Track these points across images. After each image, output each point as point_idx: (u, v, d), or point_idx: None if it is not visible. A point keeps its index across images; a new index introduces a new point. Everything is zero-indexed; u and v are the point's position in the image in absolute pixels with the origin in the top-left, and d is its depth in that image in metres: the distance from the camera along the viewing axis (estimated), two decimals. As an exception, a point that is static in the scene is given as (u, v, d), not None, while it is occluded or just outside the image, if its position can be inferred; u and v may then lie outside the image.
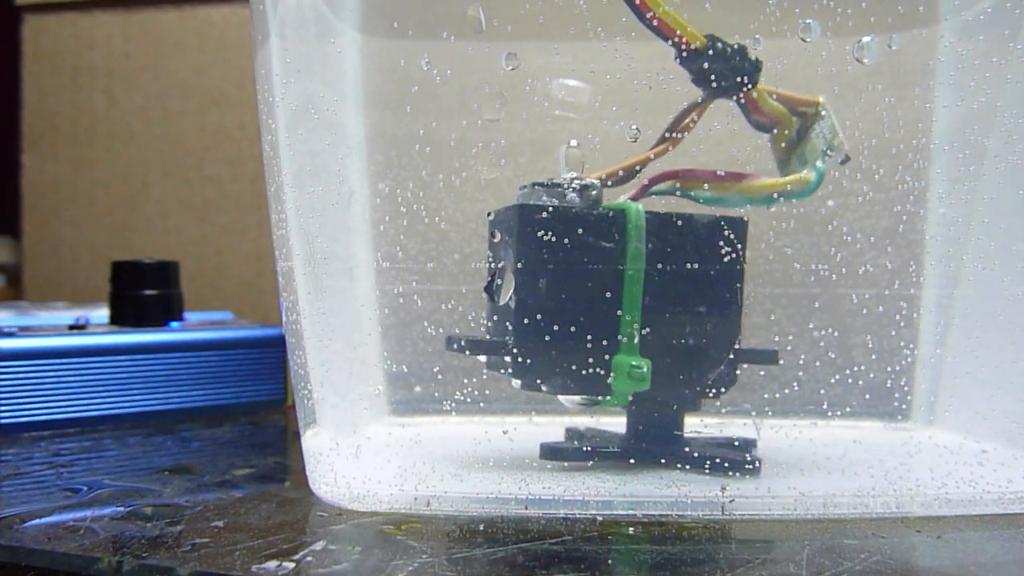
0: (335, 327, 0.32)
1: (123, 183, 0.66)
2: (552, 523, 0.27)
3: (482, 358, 0.31)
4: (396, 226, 0.33)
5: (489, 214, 0.31)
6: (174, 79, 0.65)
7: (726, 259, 0.30)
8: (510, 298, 0.30)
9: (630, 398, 0.30)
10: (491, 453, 0.31)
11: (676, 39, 0.29)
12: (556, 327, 0.30)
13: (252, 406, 0.48)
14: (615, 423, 0.33)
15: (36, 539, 0.26)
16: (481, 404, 0.32)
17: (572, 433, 0.33)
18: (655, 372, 0.29)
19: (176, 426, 0.43)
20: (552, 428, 0.33)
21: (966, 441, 0.32)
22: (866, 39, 0.30)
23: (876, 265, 0.33)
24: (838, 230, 0.33)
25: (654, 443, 0.31)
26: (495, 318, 0.31)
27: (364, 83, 0.34)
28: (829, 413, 0.32)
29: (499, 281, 0.30)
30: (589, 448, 0.31)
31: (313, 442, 0.31)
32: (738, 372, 0.31)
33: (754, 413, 0.32)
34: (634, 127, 0.30)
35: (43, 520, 0.28)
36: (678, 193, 0.31)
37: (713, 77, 0.30)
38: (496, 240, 0.31)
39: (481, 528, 0.27)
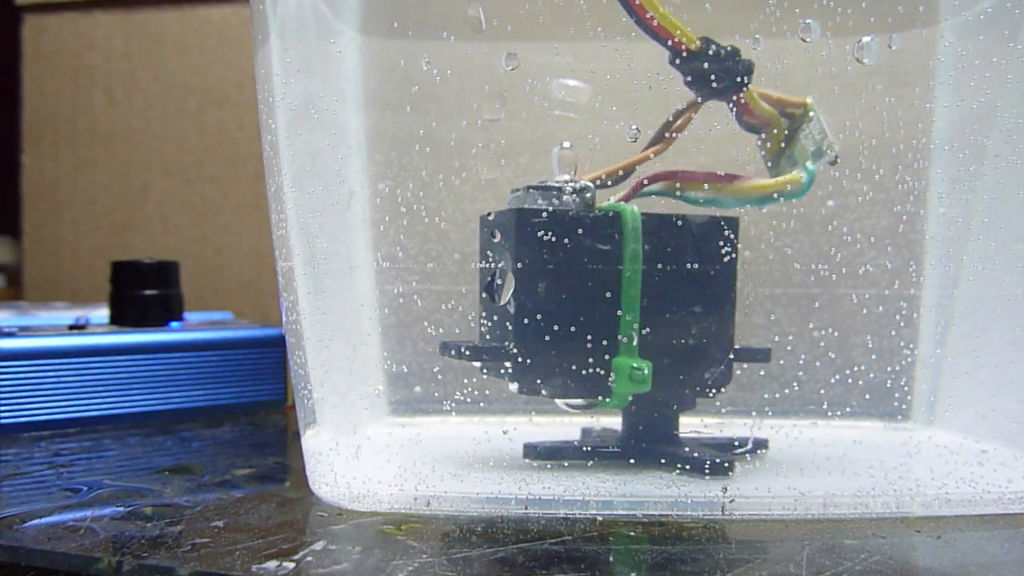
0: (335, 327, 0.32)
1: (123, 183, 0.66)
2: (552, 523, 0.27)
3: (476, 363, 0.32)
4: (396, 226, 0.33)
5: (489, 214, 0.31)
6: (174, 79, 0.65)
7: (720, 259, 0.30)
8: (508, 302, 0.30)
9: (629, 399, 0.30)
10: (491, 453, 0.31)
11: (672, 41, 0.29)
12: (555, 330, 0.30)
13: (252, 406, 0.48)
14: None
15: (36, 539, 0.26)
16: (481, 404, 0.32)
17: (587, 433, 0.33)
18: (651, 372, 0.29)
19: (176, 426, 0.43)
20: (552, 428, 0.33)
21: (966, 441, 0.32)
22: (866, 39, 0.30)
23: (876, 265, 0.33)
24: (838, 230, 0.33)
25: (648, 443, 0.31)
26: (491, 321, 0.31)
27: (364, 83, 0.34)
28: (829, 413, 0.32)
29: (499, 281, 0.30)
30: (588, 448, 0.31)
31: (313, 442, 0.31)
32: (736, 371, 0.31)
33: (754, 413, 0.32)
34: (634, 127, 0.30)
35: (43, 520, 0.28)
36: (678, 193, 0.31)
37: (707, 79, 0.30)
38: (496, 240, 0.31)
39: (481, 528, 0.27)
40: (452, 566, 0.24)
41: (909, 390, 0.34)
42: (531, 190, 0.30)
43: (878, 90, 0.31)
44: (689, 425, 0.32)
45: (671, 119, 0.31)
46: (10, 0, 0.66)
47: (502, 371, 0.30)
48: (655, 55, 0.30)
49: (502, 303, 0.30)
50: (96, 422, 0.43)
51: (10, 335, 0.42)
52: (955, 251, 0.33)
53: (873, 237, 0.33)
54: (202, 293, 0.62)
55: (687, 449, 0.31)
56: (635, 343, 0.30)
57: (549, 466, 0.31)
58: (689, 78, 0.30)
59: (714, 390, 0.31)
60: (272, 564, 0.24)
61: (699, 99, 0.30)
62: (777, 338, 0.33)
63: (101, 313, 0.50)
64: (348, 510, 0.29)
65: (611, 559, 0.25)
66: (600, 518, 0.28)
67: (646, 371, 0.29)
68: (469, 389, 0.31)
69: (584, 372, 0.30)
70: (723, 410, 0.32)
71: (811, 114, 0.31)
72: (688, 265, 0.30)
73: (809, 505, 0.28)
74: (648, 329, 0.30)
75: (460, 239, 0.33)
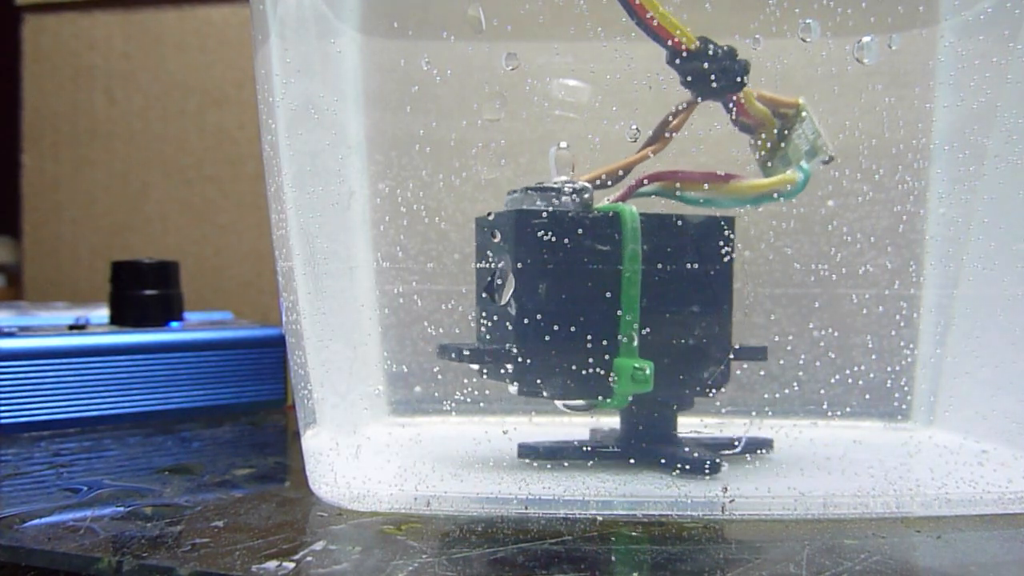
0: (335, 327, 0.32)
1: (123, 183, 0.66)
2: (552, 523, 0.27)
3: (475, 366, 0.32)
4: (396, 226, 0.33)
5: (489, 215, 0.31)
6: (174, 79, 0.65)
7: (718, 258, 0.30)
8: (508, 303, 0.30)
9: (630, 399, 0.30)
10: (491, 453, 0.31)
11: (671, 41, 0.29)
12: (556, 331, 0.30)
13: (252, 406, 0.48)
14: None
15: (36, 539, 0.26)
16: (481, 404, 0.32)
17: (596, 433, 0.33)
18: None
19: (176, 426, 0.43)
20: (552, 428, 0.33)
21: (966, 441, 0.32)
22: (866, 39, 0.30)
23: (876, 265, 0.33)
24: (838, 230, 0.33)
25: (647, 442, 0.32)
26: (490, 322, 0.31)
27: (364, 83, 0.34)
28: (829, 413, 0.32)
29: (499, 282, 0.30)
30: (586, 448, 0.31)
31: (313, 442, 0.31)
32: (732, 371, 0.31)
33: (754, 413, 0.32)
34: (634, 127, 0.30)
35: (43, 520, 0.28)
36: (675, 193, 0.31)
37: (704, 79, 0.30)
38: (496, 240, 0.31)
39: (481, 528, 0.27)
40: (452, 566, 0.24)
41: (909, 390, 0.34)
42: (529, 191, 0.30)
43: (878, 90, 0.31)
44: (689, 425, 0.32)
45: (670, 117, 0.31)
46: (10, 0, 0.66)
47: (502, 372, 0.30)
48: (655, 55, 0.30)
49: (502, 303, 0.30)
50: (96, 422, 0.43)
51: (10, 335, 0.42)
52: (955, 251, 0.33)
53: (873, 237, 0.33)
54: (202, 293, 0.62)
55: (687, 449, 0.31)
56: (635, 343, 0.30)
57: (549, 466, 0.31)
58: (688, 78, 0.30)
59: (713, 390, 0.31)
60: (272, 564, 0.24)
61: (697, 99, 0.30)
62: (777, 338, 0.33)
63: (101, 313, 0.50)
64: (348, 510, 0.29)
65: (611, 559, 0.25)
66: (600, 518, 0.28)
67: (648, 371, 0.29)
68: (469, 389, 0.31)
69: (585, 373, 0.30)
70: (723, 410, 0.32)
71: (803, 114, 0.31)
72: (686, 265, 0.30)
73: (809, 505, 0.28)
74: (647, 329, 0.30)
75: (460, 239, 0.33)
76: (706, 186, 0.31)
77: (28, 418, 0.41)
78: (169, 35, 0.65)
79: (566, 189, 0.30)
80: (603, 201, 0.31)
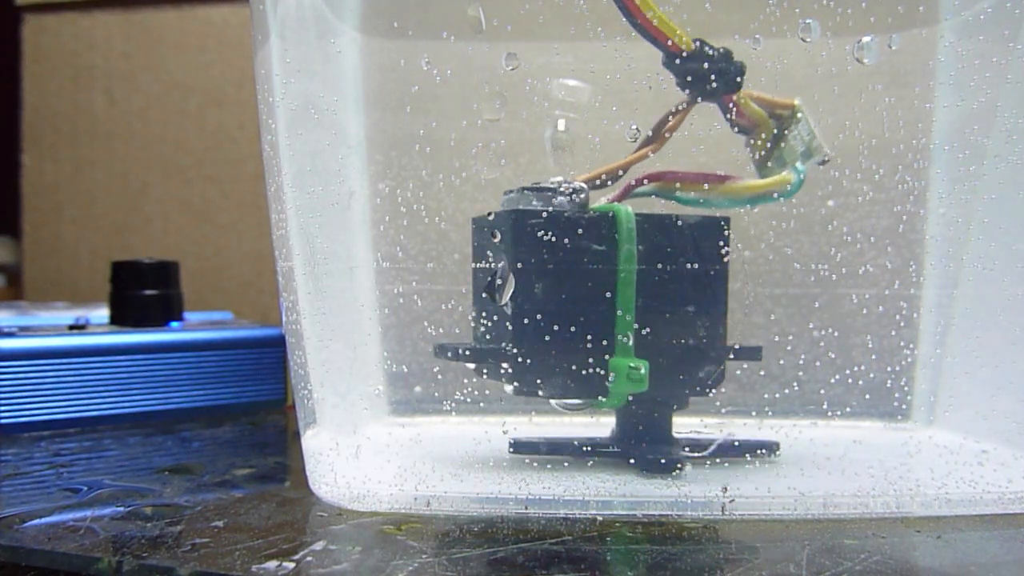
0: (335, 327, 0.32)
1: (123, 183, 0.66)
2: (552, 523, 0.27)
3: (471, 364, 0.32)
4: (396, 226, 0.33)
5: (489, 214, 0.31)
6: (174, 79, 0.65)
7: (712, 258, 0.31)
8: (504, 303, 0.30)
9: (630, 399, 0.30)
10: (491, 453, 0.31)
11: (669, 43, 0.30)
12: (552, 331, 0.30)
13: (252, 406, 0.48)
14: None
15: (36, 539, 0.26)
16: (481, 404, 0.32)
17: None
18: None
19: (176, 426, 0.43)
20: (552, 428, 0.33)
21: (966, 441, 0.32)
22: (866, 39, 0.30)
23: (876, 265, 0.33)
24: (838, 230, 0.33)
25: (643, 441, 0.32)
26: (487, 322, 0.31)
27: (364, 83, 0.34)
28: (829, 413, 0.32)
29: (499, 282, 0.30)
30: (578, 444, 0.31)
31: (313, 442, 0.31)
32: (731, 371, 0.32)
33: (754, 413, 0.32)
34: (634, 127, 0.30)
35: (43, 520, 0.28)
36: (674, 194, 0.31)
37: (700, 80, 0.30)
38: (496, 240, 0.31)
39: (481, 528, 0.27)
40: (452, 566, 0.24)
41: (909, 390, 0.34)
42: (525, 191, 0.30)
43: (878, 90, 0.31)
44: (689, 425, 0.32)
45: (669, 116, 0.31)
46: (10, 0, 0.66)
47: (499, 372, 0.30)
48: (655, 55, 0.30)
49: (502, 303, 0.30)
50: (96, 422, 0.43)
51: (10, 335, 0.42)
52: (955, 251, 0.33)
53: (873, 237, 0.33)
54: (202, 293, 0.62)
55: (686, 449, 0.31)
56: (631, 343, 0.30)
57: (549, 466, 0.31)
58: (688, 78, 0.30)
59: (708, 389, 0.31)
60: (272, 564, 0.24)
61: (692, 101, 0.31)
62: (777, 338, 0.33)
63: (101, 313, 0.50)
64: (348, 510, 0.29)
65: (611, 559, 0.25)
66: (600, 518, 0.28)
67: (643, 371, 0.29)
68: (469, 389, 0.31)
69: (581, 372, 0.30)
70: (723, 410, 0.32)
71: (799, 115, 0.31)
72: (682, 265, 0.30)
73: (809, 505, 0.28)
74: (647, 329, 0.30)
75: (460, 239, 0.33)
76: (704, 186, 0.31)
77: (28, 418, 0.41)
78: (169, 35, 0.65)
79: (562, 189, 0.30)
80: (599, 201, 0.31)
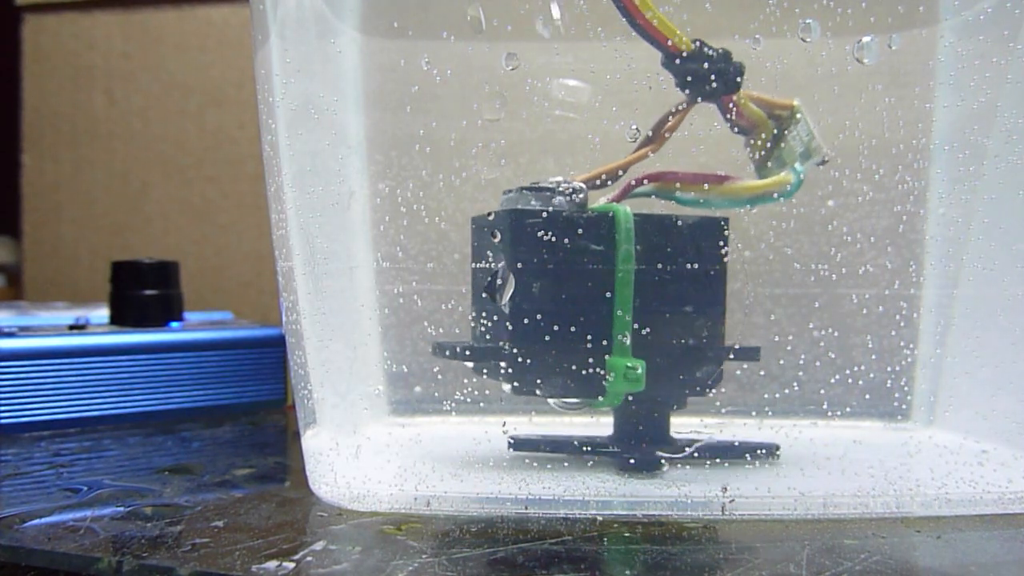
0: (335, 327, 0.32)
1: (123, 183, 0.66)
2: (552, 523, 0.27)
3: (469, 363, 0.32)
4: (396, 226, 0.33)
5: (490, 214, 0.31)
6: (174, 79, 0.65)
7: (710, 259, 0.31)
8: (503, 304, 0.30)
9: (630, 399, 0.30)
10: (491, 453, 0.31)
11: (668, 44, 0.30)
12: (550, 330, 0.30)
13: (252, 406, 0.48)
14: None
15: (36, 539, 0.26)
16: (481, 404, 0.32)
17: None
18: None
19: (176, 426, 0.43)
20: (552, 428, 0.33)
21: (966, 441, 0.32)
22: (866, 39, 0.30)
23: (876, 265, 0.33)
24: (838, 230, 0.33)
25: (640, 441, 0.32)
26: (485, 322, 0.31)
27: (364, 83, 0.34)
28: (829, 413, 0.32)
29: (499, 282, 0.30)
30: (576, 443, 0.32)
31: (313, 442, 0.31)
32: (731, 371, 0.32)
33: (754, 413, 0.32)
34: (634, 127, 0.30)
35: (43, 520, 0.28)
36: (676, 195, 0.31)
37: (699, 81, 0.30)
38: (496, 240, 0.31)
39: (481, 528, 0.27)
40: (452, 566, 0.24)
41: (909, 390, 0.34)
42: (524, 191, 0.31)
43: (878, 90, 0.31)
44: (689, 425, 0.32)
45: (670, 116, 0.31)
46: (10, 0, 0.66)
47: (498, 371, 0.30)
48: (655, 55, 0.30)
49: (503, 303, 0.30)
50: (96, 422, 0.43)
51: (10, 335, 0.42)
52: (955, 251, 0.33)
53: (873, 237, 0.33)
54: (202, 293, 0.62)
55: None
56: (628, 342, 0.30)
57: (549, 466, 0.31)
58: (688, 79, 0.30)
59: (706, 389, 0.31)
60: (272, 564, 0.24)
61: (692, 101, 0.31)
62: (777, 338, 0.33)
63: (101, 313, 0.50)
64: (348, 510, 0.29)
65: (611, 559, 0.25)
66: (600, 518, 0.28)
67: (640, 370, 0.29)
68: (469, 389, 0.31)
69: (579, 371, 0.30)
70: (723, 410, 0.32)
71: (798, 116, 0.31)
72: (680, 265, 0.30)
73: (809, 505, 0.28)
74: (645, 329, 0.30)
75: (460, 239, 0.33)
76: (703, 187, 0.31)
77: (28, 418, 0.41)
78: (169, 35, 0.65)
79: (561, 189, 0.30)
80: (598, 201, 0.31)
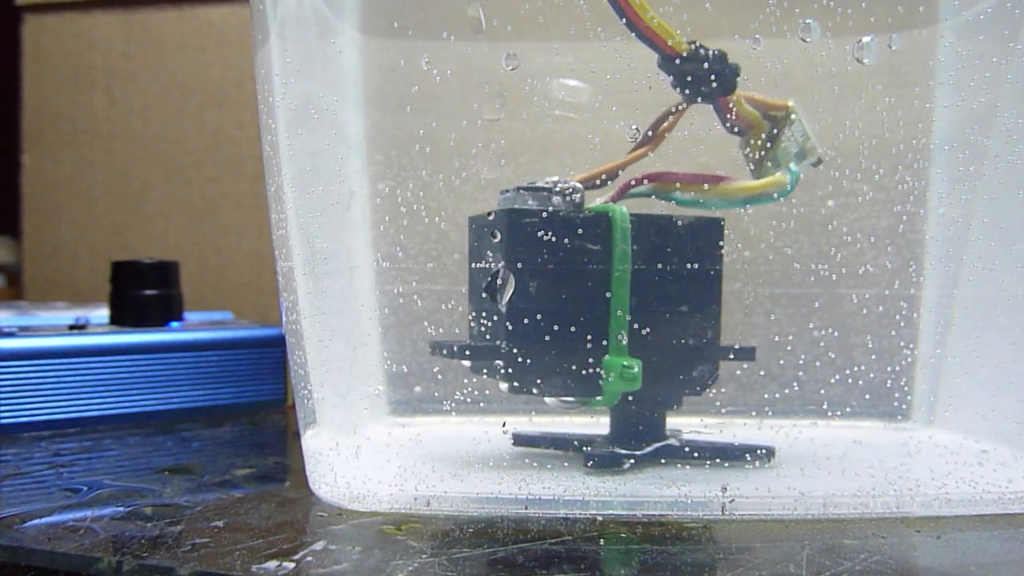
0: (335, 327, 0.32)
1: (123, 183, 0.66)
2: (552, 523, 0.27)
3: (466, 362, 0.32)
4: (396, 226, 0.33)
5: (490, 214, 0.31)
6: (174, 79, 0.65)
7: (706, 259, 0.31)
8: (502, 303, 0.30)
9: (630, 398, 0.31)
10: (491, 453, 0.31)
11: (665, 46, 0.30)
12: (548, 329, 0.30)
13: (252, 406, 0.48)
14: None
15: (36, 539, 0.26)
16: (481, 404, 0.32)
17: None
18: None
19: (176, 426, 0.43)
20: (552, 427, 0.33)
21: (966, 441, 0.32)
22: (866, 39, 0.30)
23: (876, 265, 0.33)
24: (838, 230, 0.33)
25: (637, 441, 0.32)
26: (482, 321, 0.31)
27: (364, 83, 0.34)
28: (829, 413, 0.32)
29: (499, 282, 0.30)
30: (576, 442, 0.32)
31: (313, 442, 0.31)
32: (731, 371, 0.32)
33: (754, 413, 0.32)
34: (634, 127, 0.30)
35: (43, 520, 0.28)
36: (674, 194, 0.31)
37: (695, 82, 0.30)
38: (496, 240, 0.31)
39: (481, 528, 0.27)
40: (452, 566, 0.24)
41: (909, 390, 0.34)
42: (521, 191, 0.31)
43: (878, 90, 0.31)
44: (689, 425, 0.32)
45: (669, 116, 0.31)
46: (10, 0, 0.66)
47: (495, 370, 0.30)
48: (655, 55, 0.30)
49: (502, 304, 0.30)
50: (96, 422, 0.43)
51: (10, 335, 0.42)
52: (955, 251, 0.33)
53: (873, 237, 0.33)
54: (202, 293, 0.62)
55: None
56: (625, 342, 0.30)
57: (549, 466, 0.31)
58: (687, 79, 0.30)
59: (701, 389, 0.31)
60: (272, 564, 0.24)
61: (689, 102, 0.31)
62: (777, 338, 0.33)
63: (101, 313, 0.50)
64: (348, 510, 0.29)
65: (611, 559, 0.25)
66: (600, 518, 0.28)
67: (636, 369, 0.29)
68: (469, 389, 0.31)
69: (575, 371, 0.30)
70: (723, 410, 0.32)
71: (793, 117, 0.31)
72: (676, 265, 0.30)
73: (809, 505, 0.28)
74: (646, 328, 0.30)
75: (460, 239, 0.33)
76: (703, 187, 0.31)
77: (28, 418, 0.41)
78: (169, 35, 0.65)
79: (558, 189, 0.30)
80: (595, 201, 0.31)
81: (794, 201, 0.32)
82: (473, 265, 0.32)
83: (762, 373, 0.32)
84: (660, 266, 0.30)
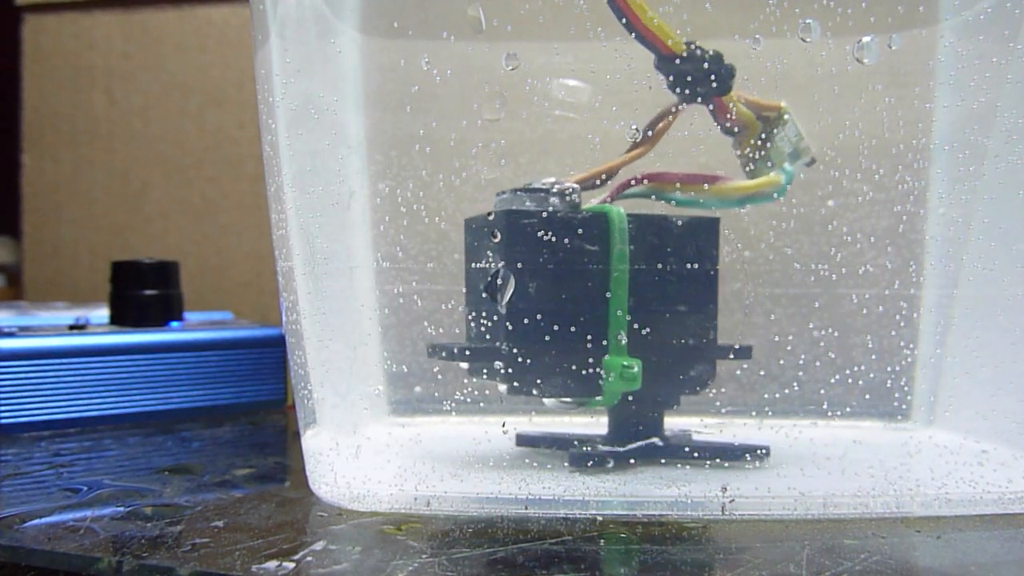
0: (335, 327, 0.32)
1: (123, 183, 0.66)
2: (552, 523, 0.27)
3: (464, 364, 0.32)
4: (396, 226, 0.33)
5: (490, 214, 0.31)
6: (174, 79, 0.65)
7: (702, 258, 0.31)
8: (502, 304, 0.30)
9: (630, 398, 0.31)
10: (491, 453, 0.31)
11: (665, 47, 0.30)
12: (547, 330, 0.30)
13: (252, 406, 0.48)
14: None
15: (36, 539, 0.26)
16: (481, 404, 0.32)
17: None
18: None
19: (176, 426, 0.43)
20: (552, 427, 0.33)
21: (966, 441, 0.32)
22: (866, 39, 0.30)
23: (876, 265, 0.33)
24: (838, 230, 0.33)
25: (635, 440, 0.32)
26: (480, 322, 0.31)
27: (364, 83, 0.34)
28: (829, 413, 0.32)
29: (499, 282, 0.30)
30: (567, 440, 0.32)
31: (313, 442, 0.31)
32: (732, 371, 0.32)
33: (754, 413, 0.32)
34: (634, 127, 0.30)
35: (43, 520, 0.28)
36: (664, 194, 0.31)
37: (692, 83, 0.30)
38: (497, 240, 0.31)
39: (481, 528, 0.27)
40: (452, 566, 0.24)
41: (909, 390, 0.34)
42: (518, 192, 0.31)
43: (878, 90, 0.31)
44: (689, 425, 0.32)
45: (669, 116, 0.31)
46: (10, 0, 0.66)
47: (491, 371, 0.30)
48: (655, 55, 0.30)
49: (502, 304, 0.30)
50: (96, 422, 0.43)
51: (10, 335, 0.42)
52: (955, 251, 0.33)
53: (873, 237, 0.33)
54: (202, 293, 0.62)
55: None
56: (624, 342, 0.30)
57: (549, 466, 0.31)
58: (681, 80, 0.30)
59: (699, 388, 0.31)
60: (272, 564, 0.24)
61: (688, 102, 0.31)
62: (777, 338, 0.33)
63: (101, 313, 0.50)
64: (348, 510, 0.29)
65: (611, 559, 0.25)
66: (600, 518, 0.28)
67: (636, 369, 0.29)
68: (469, 389, 0.31)
69: (575, 371, 0.30)
70: (723, 410, 0.32)
71: (785, 117, 0.32)
72: (673, 265, 0.30)
73: (809, 505, 0.28)
74: (647, 328, 0.30)
75: (460, 239, 0.33)
76: (696, 187, 0.31)
77: (28, 418, 0.41)
78: (169, 35, 0.65)
79: (555, 190, 0.31)
80: (591, 202, 0.31)
81: (794, 201, 0.32)
82: (473, 266, 0.32)
83: (762, 373, 0.32)
84: (657, 266, 0.30)
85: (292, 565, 0.24)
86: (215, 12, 0.64)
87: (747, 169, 0.32)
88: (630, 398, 0.31)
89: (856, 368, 0.33)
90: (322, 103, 0.32)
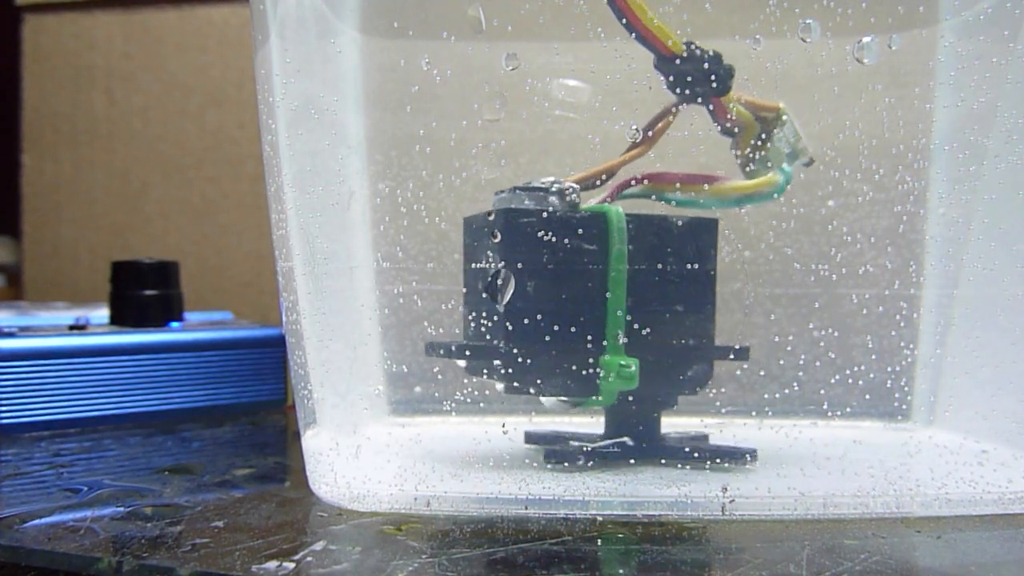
0: (335, 327, 0.32)
1: (123, 183, 0.66)
2: (552, 523, 0.27)
3: (461, 363, 0.32)
4: (396, 226, 0.33)
5: (490, 214, 0.31)
6: (174, 79, 0.65)
7: (700, 258, 0.31)
8: (502, 304, 0.30)
9: (629, 398, 0.31)
10: (491, 453, 0.31)
11: (665, 48, 0.30)
12: (545, 329, 0.30)
13: (252, 406, 0.48)
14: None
15: (36, 539, 0.26)
16: (481, 404, 0.32)
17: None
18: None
19: (176, 426, 0.43)
20: (551, 427, 0.33)
21: (966, 441, 0.32)
22: (866, 39, 0.30)
23: (876, 265, 0.33)
24: (838, 230, 0.33)
25: (634, 441, 0.32)
26: (478, 321, 0.31)
27: (364, 83, 0.34)
28: (829, 413, 0.32)
29: (499, 282, 0.30)
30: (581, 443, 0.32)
31: (313, 442, 0.31)
32: (736, 371, 0.32)
33: (754, 413, 0.32)
34: (634, 127, 0.30)
35: (43, 520, 0.28)
36: (662, 194, 0.31)
37: (690, 83, 0.30)
38: (497, 239, 0.31)
39: (481, 528, 0.27)
40: (452, 566, 0.24)
41: (909, 390, 0.34)
42: (517, 191, 0.31)
43: (878, 90, 0.31)
44: (690, 425, 0.32)
45: (670, 116, 0.31)
46: (10, 0, 0.66)
47: (489, 370, 0.30)
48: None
49: (503, 304, 0.30)
50: (96, 422, 0.43)
51: (10, 335, 0.42)
52: (955, 251, 0.33)
53: (873, 237, 0.33)
54: (202, 293, 0.62)
55: (687, 449, 0.31)
56: (622, 341, 0.30)
57: (549, 466, 0.31)
58: (687, 78, 0.30)
59: (696, 388, 0.31)
60: (272, 564, 0.24)
61: (682, 103, 0.31)
62: (777, 338, 0.33)
63: (101, 313, 0.50)
64: (348, 510, 0.29)
65: (611, 559, 0.25)
66: (600, 518, 0.28)
67: (634, 368, 0.29)
68: (469, 389, 0.31)
69: (573, 371, 0.30)
70: (723, 410, 0.32)
71: (784, 118, 0.32)
72: (671, 265, 0.30)
73: (809, 505, 0.28)
74: (645, 328, 0.30)
75: (460, 239, 0.33)
76: (694, 187, 0.31)
77: (28, 418, 0.41)
78: (169, 35, 0.65)
79: (554, 189, 0.31)
80: (589, 202, 0.31)
81: (794, 201, 0.32)
82: (472, 265, 0.32)
83: (762, 373, 0.32)
84: (655, 266, 0.30)
85: (292, 565, 0.24)
86: (215, 12, 0.64)
87: (746, 169, 0.32)
88: (630, 398, 0.31)
89: (856, 368, 0.33)
90: (322, 103, 0.32)
